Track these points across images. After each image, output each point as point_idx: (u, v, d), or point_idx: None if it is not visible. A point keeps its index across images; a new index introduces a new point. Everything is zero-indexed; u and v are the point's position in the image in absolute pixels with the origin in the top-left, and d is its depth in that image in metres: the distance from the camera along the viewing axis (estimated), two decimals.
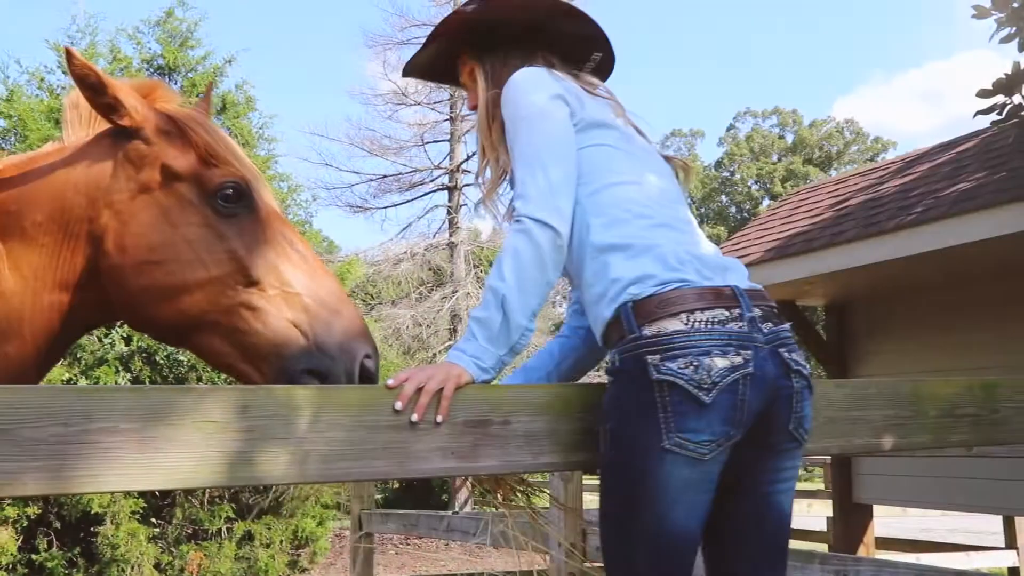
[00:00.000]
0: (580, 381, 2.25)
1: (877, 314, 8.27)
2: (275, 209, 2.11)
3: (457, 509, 17.13)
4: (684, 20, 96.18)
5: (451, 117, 20.88)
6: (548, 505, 4.64)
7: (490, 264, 21.24)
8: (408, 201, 21.50)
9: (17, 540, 7.60)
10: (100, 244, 2.00)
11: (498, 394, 1.80)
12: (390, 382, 1.73)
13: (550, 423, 1.84)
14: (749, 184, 53.91)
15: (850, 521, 8.29)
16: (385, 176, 21.27)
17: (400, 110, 21.20)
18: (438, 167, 21.15)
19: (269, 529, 8.64)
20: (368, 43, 21.23)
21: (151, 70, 9.84)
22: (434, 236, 21.32)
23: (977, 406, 2.41)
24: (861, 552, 8.12)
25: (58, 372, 7.54)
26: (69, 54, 1.95)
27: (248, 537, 8.60)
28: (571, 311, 2.30)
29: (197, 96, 9.23)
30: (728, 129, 57.39)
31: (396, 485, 19.78)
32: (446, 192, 21.19)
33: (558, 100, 2.00)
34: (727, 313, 1.80)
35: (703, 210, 53.47)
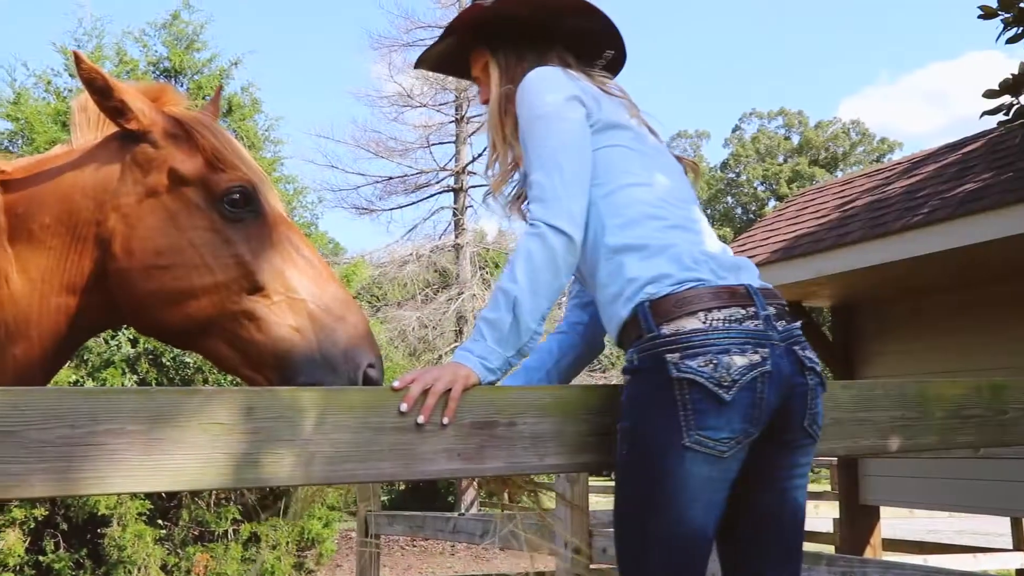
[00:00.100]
0: (585, 383, 2.25)
1: (883, 315, 8.25)
2: (281, 213, 2.11)
3: (463, 511, 17.13)
4: (688, 21, 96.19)
5: (457, 119, 20.91)
6: (553, 506, 4.64)
7: (496, 266, 21.34)
8: (414, 203, 21.54)
9: (24, 542, 7.62)
10: (107, 247, 2.00)
11: (504, 396, 1.80)
12: (396, 383, 1.73)
13: (556, 425, 1.84)
14: (755, 185, 53.85)
15: (857, 523, 8.28)
16: (391, 178, 21.30)
17: (406, 112, 21.26)
18: (444, 169, 21.18)
19: (275, 530, 8.64)
20: (373, 45, 21.31)
21: (157, 73, 9.85)
22: (440, 238, 21.35)
23: (984, 407, 2.41)
24: (868, 554, 8.11)
25: (65, 374, 7.56)
26: (77, 58, 1.95)
27: (254, 538, 8.60)
28: (571, 305, 2.31)
29: (204, 98, 9.25)
30: (734, 130, 57.37)
31: (402, 487, 19.80)
32: (452, 194, 21.22)
33: (574, 102, 2.01)
34: (743, 311, 1.81)
35: (709, 211, 53.39)
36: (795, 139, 55.10)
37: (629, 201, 1.95)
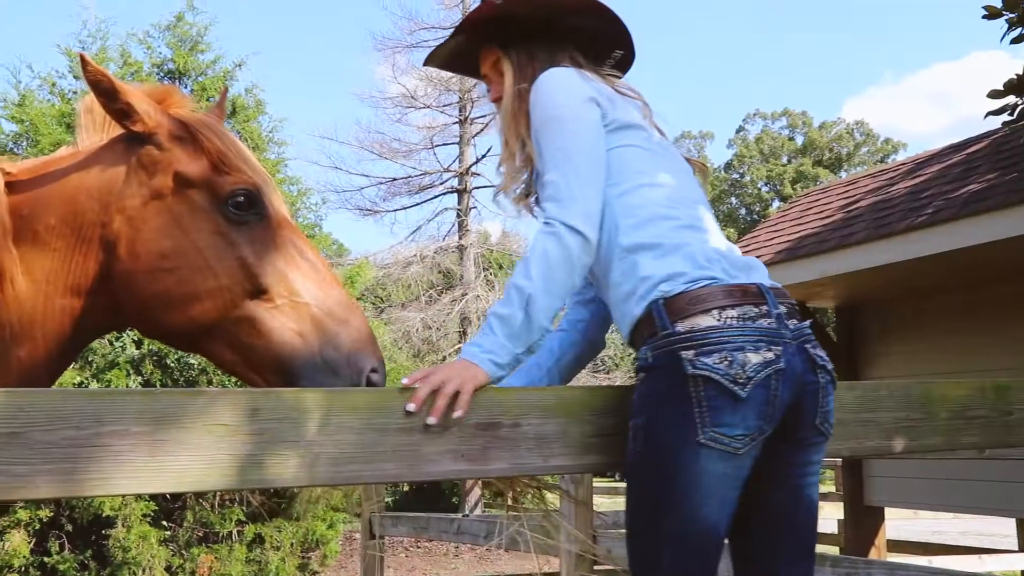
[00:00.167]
0: (589, 384, 2.26)
1: (887, 316, 8.24)
2: (286, 217, 2.12)
3: (467, 512, 17.13)
4: (692, 21, 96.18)
5: (460, 120, 20.91)
6: (558, 507, 4.64)
7: (500, 267, 21.32)
8: (418, 204, 21.54)
9: (29, 543, 7.64)
10: (113, 250, 2.01)
11: (508, 397, 1.80)
12: (404, 381, 1.73)
13: (560, 426, 1.84)
14: (759, 186, 53.80)
15: (861, 524, 8.26)
16: (395, 179, 21.31)
17: (409, 113, 21.26)
18: (447, 170, 21.19)
19: (279, 532, 8.65)
20: (377, 46, 21.30)
21: (161, 74, 9.87)
22: (444, 239, 21.36)
23: (989, 408, 2.40)
24: (872, 555, 8.09)
25: (69, 375, 7.57)
26: (83, 60, 1.96)
27: (259, 540, 8.61)
28: (573, 302, 2.32)
29: (208, 100, 9.27)
30: (738, 131, 57.32)
31: (406, 488, 19.80)
32: (455, 195, 21.22)
33: (590, 103, 2.02)
34: (756, 310, 1.83)
35: (713, 212, 53.16)
36: (799, 140, 55.04)
37: (643, 201, 1.96)
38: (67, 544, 7.88)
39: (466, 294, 20.13)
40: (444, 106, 21.06)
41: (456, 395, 1.73)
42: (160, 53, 10.04)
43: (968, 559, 8.34)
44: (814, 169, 50.94)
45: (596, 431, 1.88)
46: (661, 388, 1.80)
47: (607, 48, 2.25)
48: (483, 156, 20.96)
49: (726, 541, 1.87)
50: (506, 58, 2.18)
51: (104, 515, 7.67)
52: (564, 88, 2.02)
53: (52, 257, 2.01)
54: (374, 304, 21.96)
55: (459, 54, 2.30)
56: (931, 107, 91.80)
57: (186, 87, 9.80)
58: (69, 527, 7.87)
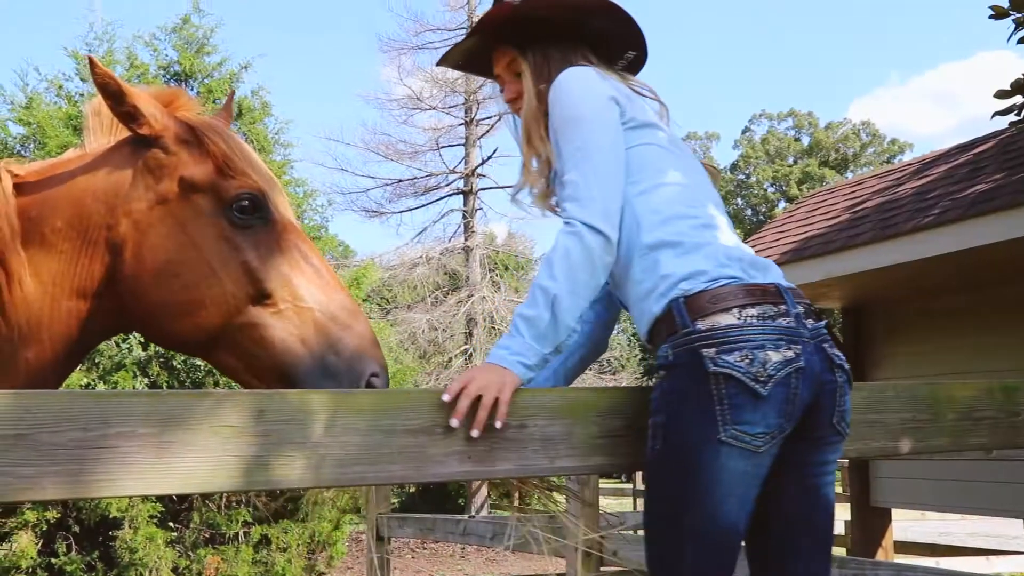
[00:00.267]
0: (595, 385, 2.26)
1: (894, 317, 8.23)
2: (291, 221, 2.12)
3: (474, 513, 17.13)
4: (697, 22, 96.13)
5: (466, 122, 20.93)
6: (564, 508, 4.63)
7: (506, 268, 21.32)
8: (423, 205, 21.57)
9: (37, 544, 7.65)
10: (118, 253, 2.01)
11: (514, 398, 1.80)
12: (445, 397, 1.72)
13: (566, 427, 1.84)
14: (765, 187, 53.73)
15: (868, 525, 8.25)
16: (400, 181, 21.34)
17: (415, 115, 21.29)
18: (453, 171, 21.20)
19: (286, 533, 8.66)
20: (383, 48, 21.35)
21: (168, 76, 9.89)
22: (449, 240, 21.37)
23: (996, 409, 2.40)
24: (880, 556, 8.08)
25: (76, 377, 7.58)
26: (92, 63, 1.97)
27: (265, 541, 8.62)
28: None
29: (214, 102, 9.28)
30: (743, 132, 57.23)
31: (412, 489, 19.81)
32: (461, 196, 21.23)
33: (609, 102, 2.03)
34: (775, 309, 1.84)
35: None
36: (805, 140, 54.95)
37: (664, 199, 1.97)
38: (74, 545, 7.89)
39: (472, 295, 20.13)
40: (450, 107, 21.08)
41: (496, 403, 1.74)
42: (166, 55, 10.05)
43: (976, 560, 8.32)
44: (820, 170, 50.86)
45: (602, 432, 1.88)
46: (682, 386, 1.80)
47: (620, 48, 2.25)
48: (489, 157, 20.99)
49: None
50: (523, 59, 2.19)
51: (111, 516, 7.68)
52: (583, 87, 2.03)
53: (59, 259, 2.01)
54: (380, 305, 21.97)
55: (472, 54, 2.30)
56: (937, 107, 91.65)
57: (192, 89, 9.82)
58: (76, 528, 7.88)
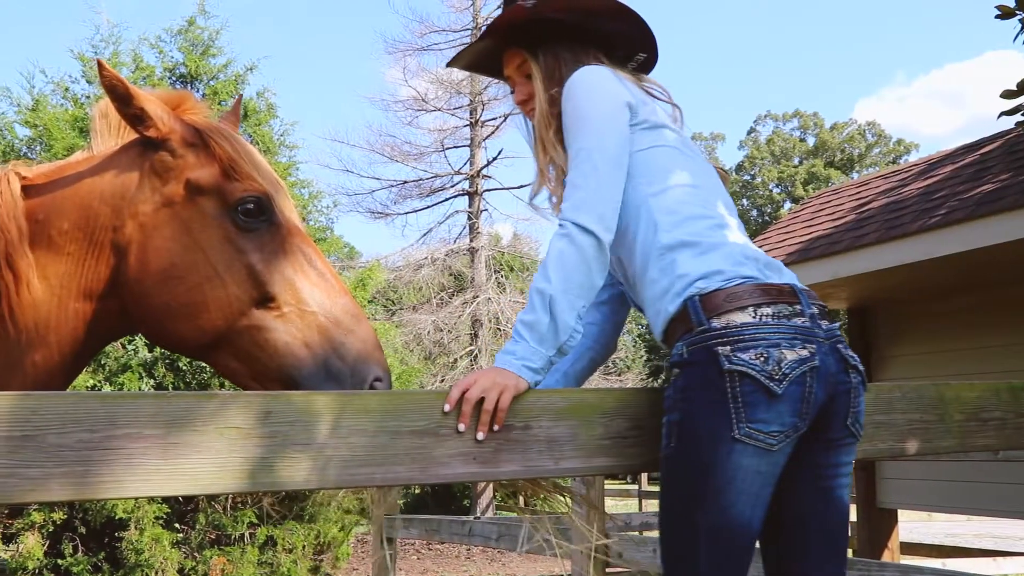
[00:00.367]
0: (601, 387, 2.26)
1: (900, 317, 8.21)
2: (296, 224, 2.12)
3: (479, 514, 17.13)
4: (701, 22, 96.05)
5: (471, 123, 20.93)
6: (569, 508, 4.63)
7: (511, 269, 21.28)
8: (429, 207, 21.55)
9: (43, 545, 7.67)
10: (124, 255, 2.01)
11: (518, 399, 1.80)
12: (446, 408, 1.73)
13: (572, 428, 1.84)
14: (770, 187, 53.66)
15: (874, 526, 8.22)
16: (406, 182, 21.34)
17: (420, 116, 21.28)
18: (458, 172, 21.20)
19: (292, 534, 8.67)
20: (388, 50, 21.31)
21: (173, 78, 9.91)
22: (455, 241, 21.37)
23: (1003, 410, 2.39)
24: (886, 557, 8.06)
25: (82, 378, 7.60)
26: (100, 65, 1.97)
27: (271, 542, 8.63)
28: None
29: (220, 104, 9.30)
30: (749, 132, 57.19)
31: (418, 490, 19.82)
32: (466, 198, 21.23)
33: (621, 103, 2.03)
34: (790, 308, 1.84)
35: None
36: (810, 141, 54.88)
37: (679, 200, 1.97)
38: (80, 546, 7.91)
39: (477, 296, 20.13)
40: (455, 109, 21.08)
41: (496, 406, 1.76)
42: (172, 57, 10.08)
43: (983, 561, 8.30)
44: (826, 170, 50.78)
45: (607, 433, 1.88)
46: (696, 383, 1.81)
47: (630, 50, 2.25)
48: (494, 159, 20.98)
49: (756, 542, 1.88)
50: (534, 61, 2.19)
51: (117, 518, 7.70)
52: (595, 87, 2.03)
53: (66, 261, 2.02)
54: (385, 307, 21.98)
55: (483, 55, 2.30)
56: (944, 107, 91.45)
57: (198, 91, 9.83)
58: (83, 529, 7.90)
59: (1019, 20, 5.34)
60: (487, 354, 19.47)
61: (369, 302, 11.80)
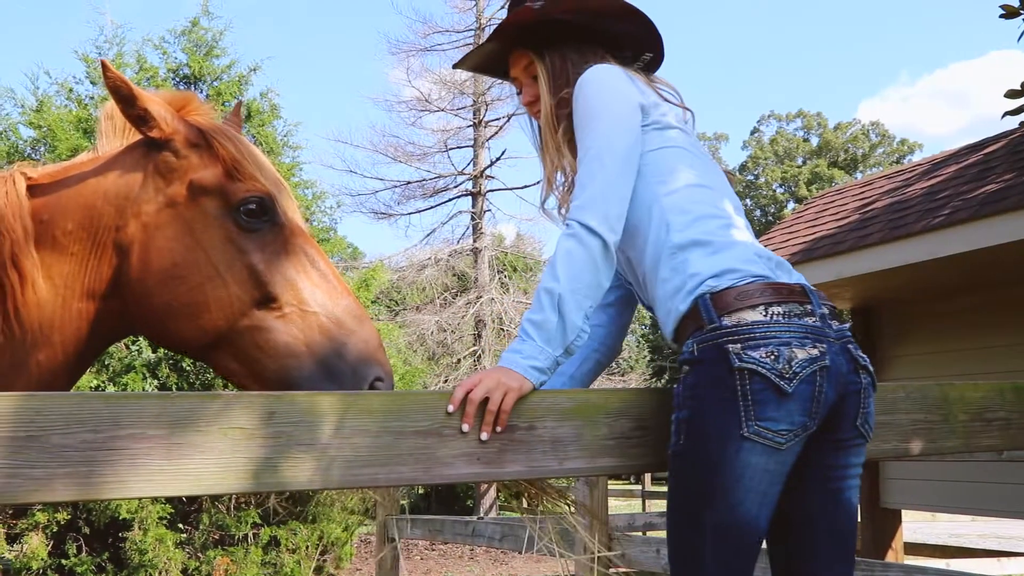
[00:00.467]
0: (605, 387, 2.26)
1: (904, 317, 8.20)
2: (299, 225, 2.12)
3: (482, 515, 17.13)
4: (705, 23, 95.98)
5: (475, 123, 20.92)
6: (573, 509, 4.63)
7: (514, 269, 21.26)
8: (432, 207, 21.55)
9: (47, 545, 7.68)
10: (126, 255, 2.02)
11: (523, 400, 1.80)
12: (450, 408, 1.73)
13: (576, 428, 1.84)
14: (774, 187, 53.63)
15: (878, 526, 8.22)
16: (409, 182, 21.33)
17: (423, 116, 21.28)
18: (462, 173, 21.20)
19: (295, 535, 8.67)
20: (391, 50, 21.33)
21: (177, 79, 9.92)
22: (458, 242, 21.36)
23: (1008, 410, 2.39)
24: (890, 557, 8.05)
25: (86, 379, 7.61)
26: (104, 67, 1.98)
27: (274, 542, 8.63)
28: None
29: (224, 105, 9.30)
30: (752, 132, 57.15)
31: (421, 491, 19.82)
32: (470, 198, 21.23)
33: (633, 104, 2.03)
34: (801, 308, 1.84)
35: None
36: (814, 141, 54.84)
37: (691, 200, 1.97)
38: (84, 547, 7.92)
39: (481, 297, 20.13)
40: (458, 109, 21.07)
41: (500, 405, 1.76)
42: (176, 58, 10.08)
43: (987, 562, 8.28)
44: (829, 170, 50.73)
45: (611, 434, 1.88)
46: (706, 381, 1.80)
47: (637, 50, 2.25)
48: (497, 159, 20.97)
49: (763, 544, 1.88)
50: (541, 62, 2.19)
51: (121, 518, 7.71)
52: (607, 87, 2.03)
53: (70, 261, 2.02)
54: (389, 307, 21.99)
55: (490, 57, 2.30)
56: (947, 107, 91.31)
57: (201, 92, 9.84)
58: (86, 530, 7.91)
59: (1023, 20, 5.33)
60: (490, 354, 19.46)
61: (372, 302, 11.80)
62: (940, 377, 7.59)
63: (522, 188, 20.94)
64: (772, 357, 1.76)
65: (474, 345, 20.25)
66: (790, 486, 1.84)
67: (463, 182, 21.28)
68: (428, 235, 21.56)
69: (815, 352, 1.79)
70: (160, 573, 7.82)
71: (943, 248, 6.30)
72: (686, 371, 1.85)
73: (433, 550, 14.70)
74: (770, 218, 50.84)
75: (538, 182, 2.29)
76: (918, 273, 6.86)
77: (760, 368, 1.75)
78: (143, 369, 8.09)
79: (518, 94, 2.29)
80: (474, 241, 20.84)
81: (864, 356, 1.93)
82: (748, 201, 54.12)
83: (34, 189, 2.06)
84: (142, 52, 9.91)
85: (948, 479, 7.64)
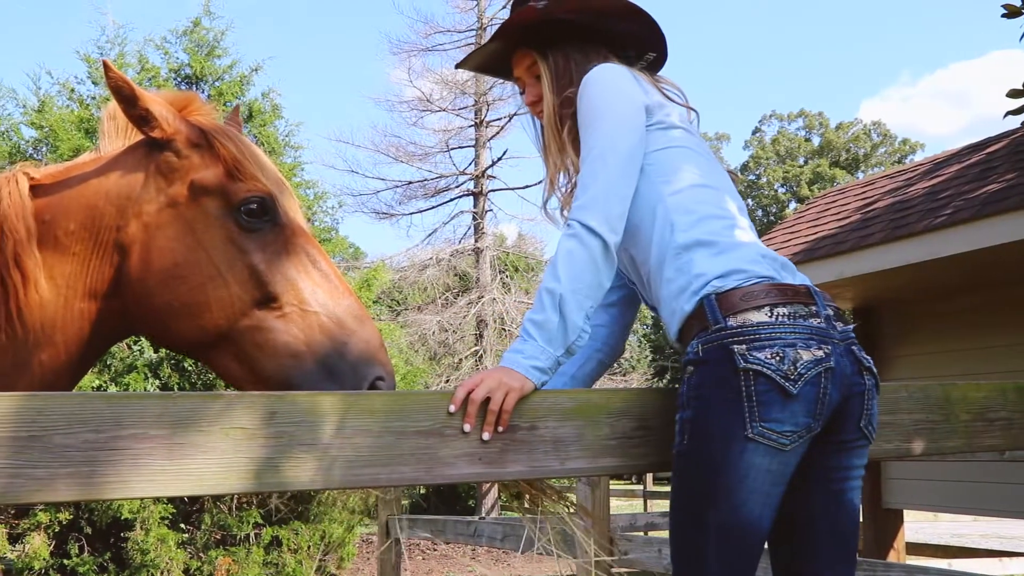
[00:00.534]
0: (608, 387, 2.26)
1: (905, 317, 8.19)
2: (300, 225, 2.12)
3: (484, 515, 17.13)
4: (707, 23, 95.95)
5: (476, 123, 20.93)
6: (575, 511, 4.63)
7: (516, 269, 21.27)
8: (434, 207, 21.57)
9: (49, 545, 7.69)
10: (127, 255, 2.02)
11: (525, 400, 1.80)
12: (452, 408, 1.73)
13: (577, 428, 1.84)
14: (775, 187, 53.59)
15: (880, 526, 8.21)
16: (410, 182, 21.34)
17: (425, 116, 21.29)
18: (463, 173, 21.21)
19: (297, 534, 8.67)
20: (393, 50, 21.38)
21: (178, 79, 9.92)
22: (460, 242, 21.37)
23: (1010, 410, 2.39)
24: (891, 558, 8.04)
25: (88, 379, 7.61)
26: (106, 67, 1.98)
27: (276, 542, 8.64)
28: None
29: (225, 105, 9.30)
30: (754, 132, 57.11)
31: (423, 491, 19.83)
32: (471, 198, 21.23)
33: (638, 104, 2.03)
34: (806, 309, 1.84)
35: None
36: (816, 141, 54.80)
37: (696, 200, 1.97)
38: (86, 547, 7.92)
39: (482, 297, 20.13)
40: (460, 109, 21.08)
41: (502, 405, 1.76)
42: (177, 58, 10.09)
43: (989, 562, 8.27)
44: (831, 170, 50.70)
45: (613, 434, 1.88)
46: (711, 381, 1.80)
47: (640, 49, 2.25)
48: (499, 159, 20.98)
49: (766, 544, 1.88)
50: (543, 62, 2.18)
51: (123, 518, 7.72)
52: (612, 86, 2.03)
53: (72, 261, 2.02)
54: (390, 307, 22.00)
55: (493, 57, 2.30)
56: (949, 107, 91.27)
57: (203, 92, 9.85)
58: (88, 530, 7.91)
59: None
60: (492, 354, 19.47)
61: (374, 302, 11.80)
62: (942, 377, 7.58)
63: (523, 188, 20.95)
64: (777, 358, 1.76)
65: (476, 345, 20.25)
66: (793, 486, 1.84)
67: (465, 182, 21.28)
68: (430, 235, 21.58)
69: (820, 354, 1.79)
70: (162, 573, 7.82)
71: (945, 248, 6.29)
72: (691, 371, 1.85)
73: (435, 550, 14.71)
74: (772, 218, 50.81)
75: (540, 182, 2.29)
76: (920, 273, 6.85)
77: (765, 369, 1.75)
78: (145, 369, 8.10)
79: (521, 94, 2.28)
80: (476, 241, 20.84)
81: (868, 358, 1.93)
82: (750, 201, 54.05)
83: (37, 189, 2.06)
84: (144, 52, 9.93)
85: (950, 479, 7.64)
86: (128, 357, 8.13)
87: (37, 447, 1.41)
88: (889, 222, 7.03)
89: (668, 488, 1.91)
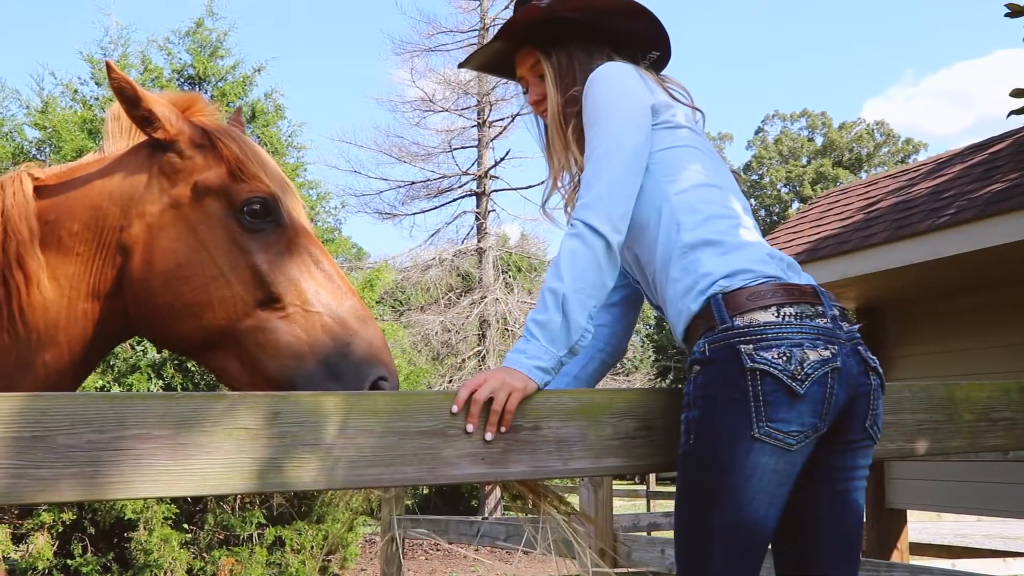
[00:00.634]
0: (610, 387, 2.26)
1: (908, 317, 8.19)
2: (303, 226, 2.12)
3: (487, 515, 17.13)
4: (709, 22, 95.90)
5: (479, 123, 20.94)
6: (577, 512, 4.63)
7: (519, 270, 21.28)
8: (436, 207, 21.59)
9: (53, 545, 7.69)
10: (129, 256, 2.02)
11: (528, 400, 1.80)
12: (454, 408, 1.73)
13: (580, 428, 1.84)
14: (778, 187, 53.56)
15: (884, 526, 8.20)
16: (413, 183, 21.36)
17: (428, 117, 21.31)
18: (466, 173, 21.22)
19: (300, 535, 8.67)
20: (395, 51, 21.35)
21: (181, 80, 9.93)
22: (462, 242, 21.38)
23: (1014, 410, 2.38)
24: (895, 558, 8.03)
25: (91, 379, 7.61)
26: (109, 68, 1.98)
27: (279, 542, 8.64)
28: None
29: (228, 105, 9.31)
30: (756, 132, 57.09)
31: (426, 491, 19.84)
32: (474, 198, 21.25)
33: (644, 103, 2.02)
34: (813, 309, 1.84)
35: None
36: (818, 140, 54.77)
37: (702, 199, 1.97)
38: (90, 547, 7.93)
39: (485, 297, 20.14)
40: (462, 109, 21.09)
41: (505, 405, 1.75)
42: (180, 59, 10.09)
43: (993, 562, 8.25)
44: (834, 170, 50.67)
45: (616, 434, 1.88)
46: (717, 381, 1.80)
47: (643, 48, 2.24)
48: (502, 159, 21.00)
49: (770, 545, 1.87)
50: (547, 61, 2.18)
51: (126, 518, 7.72)
52: (617, 85, 2.02)
53: (75, 262, 2.03)
54: (393, 307, 22.01)
55: (496, 56, 2.30)
56: (952, 107, 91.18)
57: (206, 92, 9.85)
58: (92, 530, 7.92)
59: None
60: (495, 354, 19.47)
61: (377, 303, 11.81)
62: (945, 377, 7.58)
63: (526, 188, 20.96)
64: (784, 358, 1.76)
65: (478, 345, 20.26)
66: (798, 486, 1.84)
67: (467, 182, 21.29)
68: (432, 235, 21.60)
69: (827, 354, 1.79)
70: (165, 573, 7.83)
71: (948, 248, 6.29)
72: (697, 371, 1.84)
73: (437, 550, 14.71)
74: (775, 218, 50.78)
75: (543, 182, 2.27)
76: (923, 273, 6.84)
77: (772, 369, 1.75)
78: (148, 369, 8.10)
79: (524, 93, 2.28)
80: (478, 241, 20.86)
81: (874, 358, 1.92)
82: (753, 201, 54.01)
83: (40, 190, 2.06)
84: (147, 53, 9.93)
85: (953, 479, 7.63)
86: (131, 357, 8.14)
87: (41, 447, 1.41)
88: (892, 222, 7.02)
89: (671, 488, 1.91)
